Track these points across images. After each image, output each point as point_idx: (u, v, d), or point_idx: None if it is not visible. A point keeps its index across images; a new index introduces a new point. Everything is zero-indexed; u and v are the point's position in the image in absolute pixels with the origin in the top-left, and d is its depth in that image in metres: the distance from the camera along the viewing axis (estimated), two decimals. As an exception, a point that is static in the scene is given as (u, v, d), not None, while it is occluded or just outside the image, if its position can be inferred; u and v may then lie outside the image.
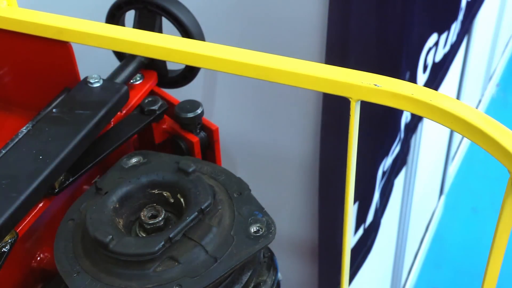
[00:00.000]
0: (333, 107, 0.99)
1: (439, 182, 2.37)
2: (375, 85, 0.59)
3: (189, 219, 0.56)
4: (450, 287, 2.20)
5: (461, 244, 2.40)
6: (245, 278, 0.60)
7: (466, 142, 2.65)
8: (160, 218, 0.57)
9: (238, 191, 0.61)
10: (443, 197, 2.44)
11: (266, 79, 0.63)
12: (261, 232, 0.58)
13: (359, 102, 0.62)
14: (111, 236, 0.54)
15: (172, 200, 0.60)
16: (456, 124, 0.56)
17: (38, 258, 0.67)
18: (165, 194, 0.60)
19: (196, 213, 0.57)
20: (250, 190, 0.62)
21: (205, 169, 0.63)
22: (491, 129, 0.53)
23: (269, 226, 0.58)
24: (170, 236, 0.55)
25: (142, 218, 0.58)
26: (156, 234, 0.56)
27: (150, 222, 0.57)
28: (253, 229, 0.58)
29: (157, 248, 0.54)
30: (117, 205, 0.58)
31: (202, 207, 0.57)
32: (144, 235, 0.58)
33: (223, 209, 0.59)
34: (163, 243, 0.54)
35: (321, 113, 1.01)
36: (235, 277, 0.60)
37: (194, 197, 0.58)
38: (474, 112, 0.55)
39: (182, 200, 0.59)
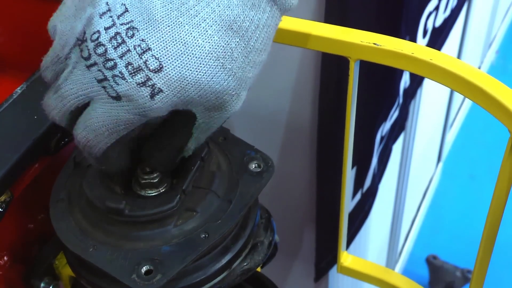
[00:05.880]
0: (332, 69, 0.98)
1: (437, 149, 2.37)
2: (375, 44, 0.59)
3: (194, 168, 0.56)
4: (446, 253, 2.21)
5: (458, 211, 2.41)
6: (241, 241, 0.60)
7: (464, 109, 2.65)
8: (155, 174, 0.57)
9: (221, 136, 0.61)
10: (440, 164, 2.45)
11: (264, 39, 0.62)
12: (261, 168, 0.58)
13: (358, 61, 0.61)
14: (124, 202, 0.54)
15: None
16: (457, 84, 0.55)
17: (35, 220, 0.67)
18: None
19: (198, 162, 0.56)
20: (231, 133, 0.62)
21: None
22: (491, 88, 0.53)
23: (266, 160, 0.59)
24: (183, 188, 0.55)
25: (139, 173, 0.57)
26: (166, 190, 0.56)
27: (145, 177, 0.56)
28: (252, 166, 0.59)
29: (175, 202, 0.54)
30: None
31: (202, 155, 0.57)
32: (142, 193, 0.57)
33: (217, 155, 0.59)
34: (179, 196, 0.54)
35: (320, 75, 1.00)
36: (234, 238, 0.59)
37: None
38: (475, 71, 0.54)
39: None
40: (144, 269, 0.52)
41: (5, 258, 0.64)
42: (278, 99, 1.08)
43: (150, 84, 0.45)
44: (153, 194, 0.56)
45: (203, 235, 0.54)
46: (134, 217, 0.54)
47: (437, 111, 2.13)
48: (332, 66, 0.98)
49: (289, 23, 0.62)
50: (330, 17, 0.95)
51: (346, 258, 0.85)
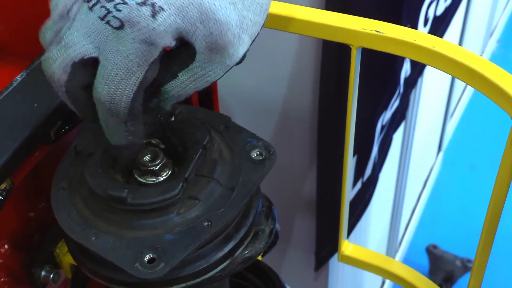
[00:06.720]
0: (333, 57, 0.98)
1: (437, 139, 2.37)
2: (377, 31, 0.58)
3: (196, 156, 0.56)
4: (447, 243, 2.21)
5: (459, 200, 2.41)
6: (244, 230, 0.60)
7: (465, 98, 2.64)
8: (158, 161, 0.56)
9: (223, 124, 0.61)
10: (441, 153, 2.44)
11: (265, 26, 0.62)
12: (263, 156, 0.58)
13: (360, 49, 0.61)
14: (126, 190, 0.54)
15: (162, 146, 0.59)
16: (459, 71, 0.55)
17: (35, 208, 0.67)
18: (153, 142, 0.59)
19: (200, 150, 0.56)
20: (233, 122, 0.62)
21: (183, 111, 0.62)
22: (494, 75, 0.53)
23: (268, 148, 0.59)
24: (186, 176, 0.55)
25: (141, 161, 0.57)
26: (168, 178, 0.56)
27: (149, 164, 0.56)
28: (254, 154, 0.58)
29: (178, 190, 0.54)
30: (112, 162, 0.57)
31: (204, 143, 0.57)
32: (143, 181, 0.57)
33: (218, 143, 0.59)
34: (181, 184, 0.54)
35: (320, 63, 1.00)
36: (236, 226, 0.59)
37: (191, 135, 0.57)
38: (477, 59, 0.54)
39: (177, 142, 0.58)
40: (147, 257, 0.52)
41: (6, 246, 0.64)
42: (279, 87, 1.08)
43: (150, 3, 0.46)
44: (155, 182, 0.56)
45: (206, 223, 0.54)
46: (137, 205, 0.54)
47: (438, 100, 2.13)
48: (333, 54, 0.98)
49: (289, 10, 0.61)
50: (331, 4, 0.95)
51: (347, 246, 0.85)
